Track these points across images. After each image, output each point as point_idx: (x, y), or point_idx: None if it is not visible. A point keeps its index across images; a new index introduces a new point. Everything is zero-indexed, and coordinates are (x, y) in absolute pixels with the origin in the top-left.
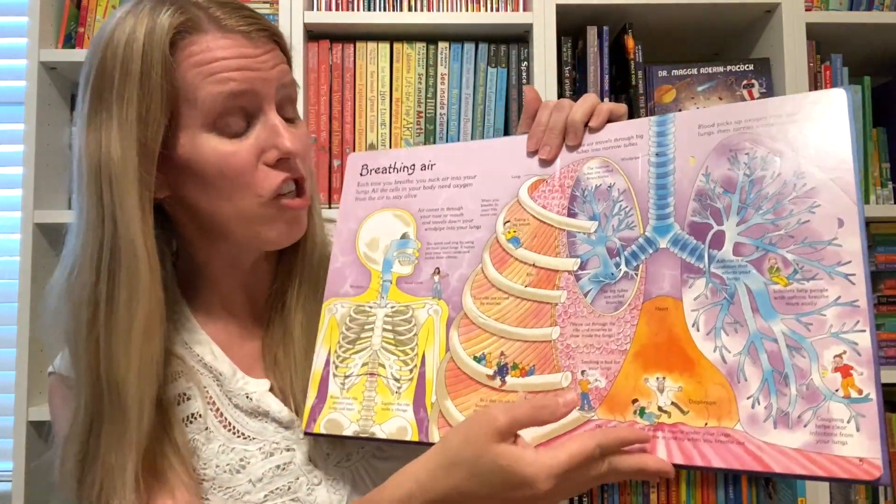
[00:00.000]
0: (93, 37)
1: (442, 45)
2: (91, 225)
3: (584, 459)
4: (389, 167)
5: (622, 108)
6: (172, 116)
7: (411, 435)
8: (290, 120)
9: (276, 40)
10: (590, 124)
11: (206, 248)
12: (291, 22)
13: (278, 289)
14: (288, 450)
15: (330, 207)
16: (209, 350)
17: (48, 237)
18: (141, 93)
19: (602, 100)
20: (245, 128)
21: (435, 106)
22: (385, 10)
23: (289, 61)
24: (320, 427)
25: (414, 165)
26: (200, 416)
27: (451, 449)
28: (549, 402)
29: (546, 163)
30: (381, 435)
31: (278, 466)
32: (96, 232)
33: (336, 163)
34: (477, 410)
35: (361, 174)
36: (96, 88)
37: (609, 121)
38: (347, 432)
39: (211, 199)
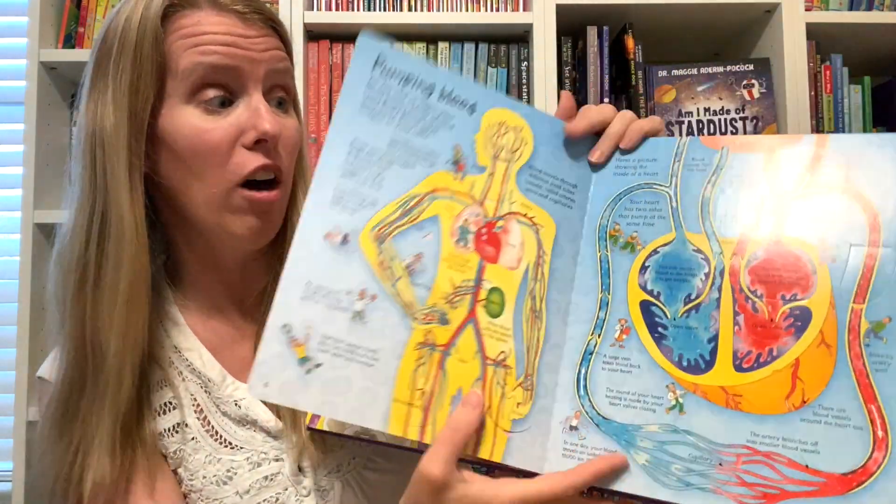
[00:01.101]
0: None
1: (442, 45)
2: (84, 191)
3: None
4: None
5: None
6: (160, 88)
7: (410, 440)
8: (282, 110)
9: (274, 27)
10: (621, 145)
11: (188, 244)
12: (291, 22)
13: (267, 288)
14: (276, 460)
15: None
16: (198, 354)
17: (48, 237)
18: (134, 62)
19: (602, 101)
20: (227, 106)
21: None
22: (385, 10)
23: (289, 53)
24: (323, 424)
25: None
26: (187, 425)
27: None
28: (460, 421)
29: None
30: (381, 438)
31: (266, 477)
32: (88, 197)
33: None
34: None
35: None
36: (98, 62)
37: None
38: (348, 432)
39: (182, 178)
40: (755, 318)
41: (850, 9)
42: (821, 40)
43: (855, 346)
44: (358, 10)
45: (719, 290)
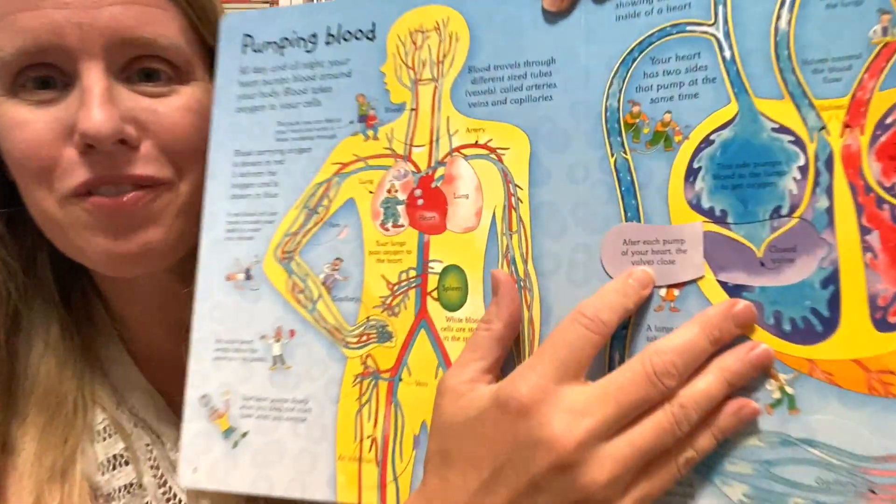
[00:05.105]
0: None
1: None
2: None
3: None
4: None
5: None
6: None
7: None
8: (153, 82)
9: None
10: None
11: (98, 276)
12: None
13: None
14: None
15: None
16: (149, 397)
17: None
18: None
19: None
20: (59, 90)
21: None
22: None
23: (198, 14)
24: None
25: None
26: (141, 486)
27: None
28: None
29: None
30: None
31: None
32: None
33: None
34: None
35: None
36: None
37: None
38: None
39: (22, 191)
40: None
41: None
42: None
43: None
44: None
45: (828, 192)
